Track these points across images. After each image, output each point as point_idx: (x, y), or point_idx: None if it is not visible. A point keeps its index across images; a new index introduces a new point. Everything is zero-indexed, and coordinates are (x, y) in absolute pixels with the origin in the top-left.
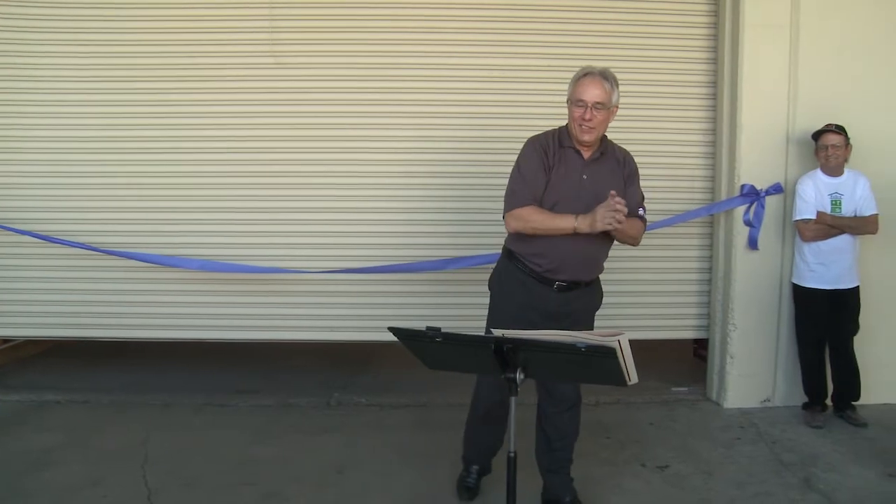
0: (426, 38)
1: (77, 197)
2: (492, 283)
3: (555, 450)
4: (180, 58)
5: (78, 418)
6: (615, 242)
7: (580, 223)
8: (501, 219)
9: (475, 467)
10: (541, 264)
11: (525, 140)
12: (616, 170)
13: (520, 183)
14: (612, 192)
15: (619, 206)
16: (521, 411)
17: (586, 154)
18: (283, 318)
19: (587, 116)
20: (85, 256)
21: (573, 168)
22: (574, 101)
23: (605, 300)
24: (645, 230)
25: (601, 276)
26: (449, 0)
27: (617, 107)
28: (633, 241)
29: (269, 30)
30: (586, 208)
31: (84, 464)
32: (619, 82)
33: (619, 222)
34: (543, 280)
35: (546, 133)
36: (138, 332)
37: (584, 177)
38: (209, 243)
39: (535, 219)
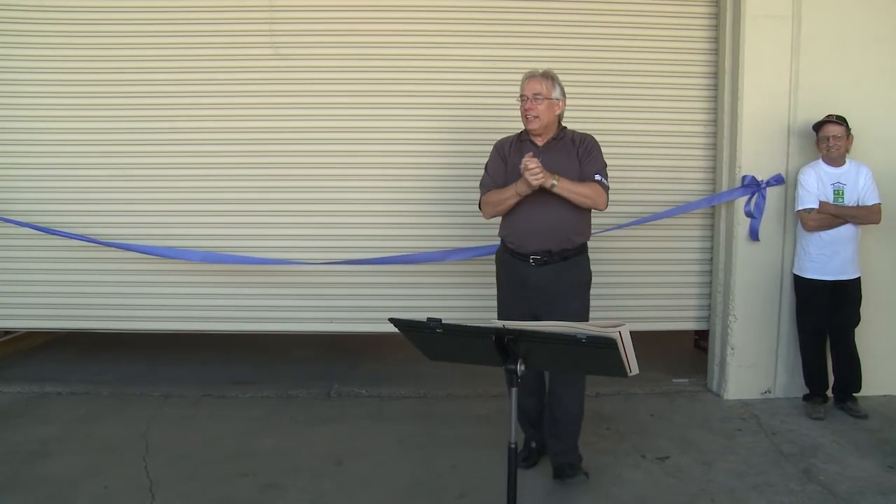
0: (427, 30)
1: (77, 189)
2: (496, 269)
3: (557, 419)
4: (182, 49)
5: (78, 410)
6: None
7: (518, 188)
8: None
9: (533, 444)
10: (513, 241)
11: None
12: (570, 150)
13: (485, 177)
14: (527, 155)
15: (529, 165)
16: None
17: (540, 142)
18: (283, 309)
19: (528, 107)
20: (85, 248)
21: (528, 154)
22: (520, 97)
23: (606, 291)
24: (607, 195)
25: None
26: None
27: (562, 101)
28: (590, 201)
29: (269, 20)
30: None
31: (84, 455)
32: (623, 73)
33: (537, 175)
34: (520, 256)
35: (508, 136)
36: (139, 323)
37: (539, 158)
38: (210, 235)
39: (493, 199)
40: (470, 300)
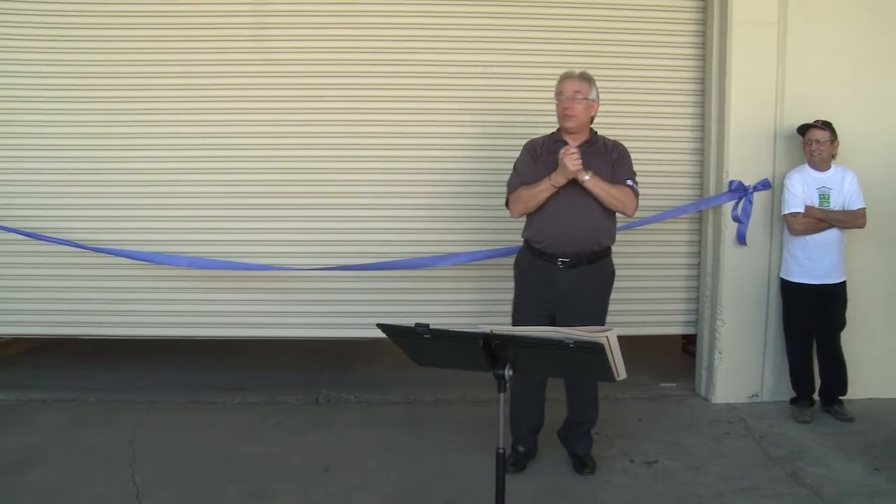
0: (417, 33)
1: (64, 194)
2: (515, 271)
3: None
4: (170, 54)
5: (64, 417)
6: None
7: (553, 178)
8: (505, 207)
9: (521, 448)
10: (541, 242)
11: (521, 140)
12: (603, 154)
13: (514, 176)
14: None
15: (570, 150)
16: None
17: (573, 143)
18: (271, 314)
19: (566, 105)
20: (72, 254)
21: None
22: (557, 96)
23: None
24: (637, 201)
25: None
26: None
27: (597, 102)
28: (620, 203)
29: (256, 26)
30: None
31: (71, 463)
32: (610, 79)
33: (577, 161)
34: (548, 258)
35: (538, 136)
36: (126, 329)
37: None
38: (198, 240)
39: (524, 195)
40: (461, 305)
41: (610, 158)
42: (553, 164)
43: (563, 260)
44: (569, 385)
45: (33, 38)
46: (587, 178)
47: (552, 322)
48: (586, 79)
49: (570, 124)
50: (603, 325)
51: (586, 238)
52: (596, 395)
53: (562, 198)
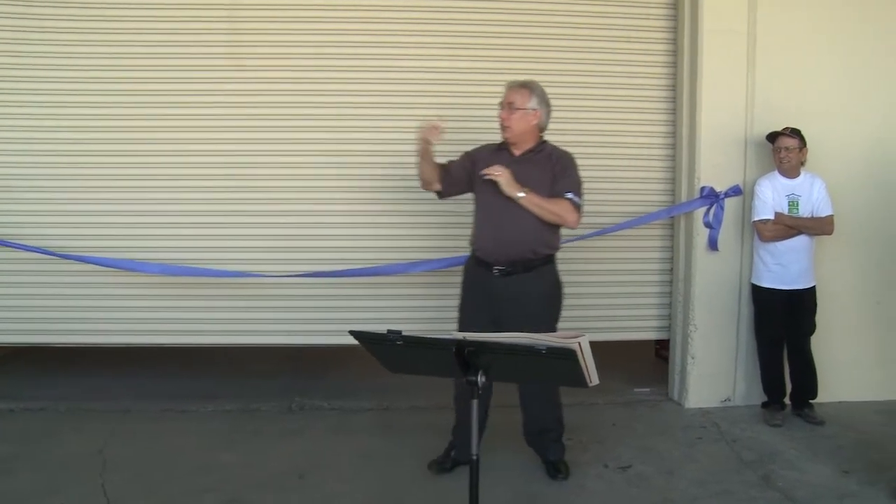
0: (385, 41)
1: (33, 200)
2: (462, 277)
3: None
4: (140, 59)
5: (33, 426)
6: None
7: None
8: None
9: (454, 453)
10: (479, 247)
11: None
12: (546, 164)
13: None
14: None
15: (492, 173)
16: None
17: (517, 152)
18: (244, 322)
19: (502, 116)
20: (42, 261)
21: (501, 163)
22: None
23: (567, 302)
24: (579, 213)
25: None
26: (403, 4)
27: (539, 111)
28: (557, 218)
29: (230, 31)
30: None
31: (40, 472)
32: (582, 86)
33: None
34: (486, 266)
35: (492, 143)
36: (96, 337)
37: (510, 169)
38: (169, 247)
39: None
40: (434, 311)
41: (553, 169)
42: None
43: (498, 268)
44: (523, 391)
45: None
46: (521, 195)
47: (497, 328)
48: (525, 87)
49: (505, 135)
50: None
51: (520, 246)
52: (557, 400)
53: (498, 207)
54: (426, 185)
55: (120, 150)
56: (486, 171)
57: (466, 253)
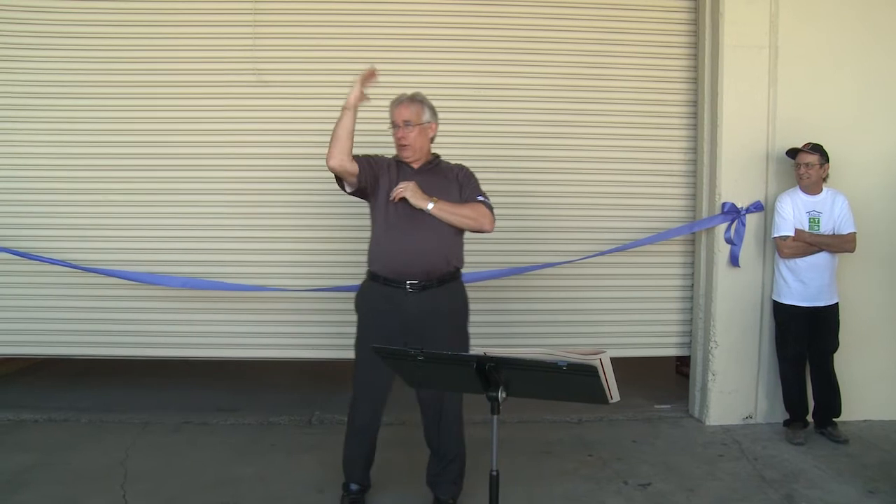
0: (407, 57)
1: (58, 214)
2: (357, 304)
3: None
4: (164, 76)
5: (55, 438)
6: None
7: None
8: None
9: (354, 486)
10: (385, 267)
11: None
12: (448, 174)
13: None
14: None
15: (399, 193)
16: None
17: (416, 166)
18: (264, 336)
19: (400, 135)
20: (66, 274)
21: (405, 177)
22: (391, 125)
23: (588, 318)
24: (493, 215)
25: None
26: (411, 20)
27: (434, 123)
28: (474, 222)
29: (251, 48)
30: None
31: (61, 484)
32: (604, 101)
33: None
34: (394, 284)
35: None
36: (119, 350)
37: (415, 180)
38: (192, 261)
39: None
40: None
41: (456, 178)
42: (400, 179)
43: (412, 282)
44: (428, 423)
45: (26, 59)
46: (430, 206)
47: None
48: (416, 101)
49: (406, 154)
50: (466, 352)
51: (435, 257)
52: (462, 434)
53: (406, 219)
54: (338, 158)
55: (143, 165)
56: (393, 193)
57: (487, 268)
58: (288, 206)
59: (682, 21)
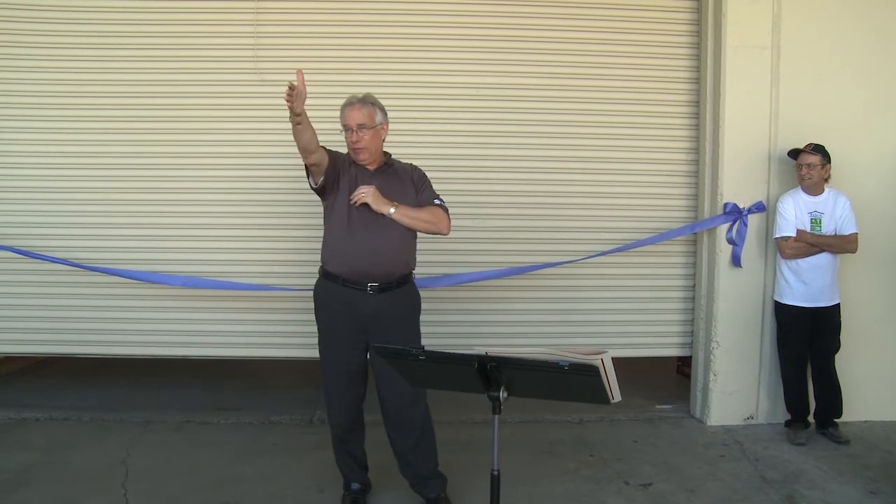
0: (410, 56)
1: (59, 213)
2: (316, 305)
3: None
4: (165, 74)
5: (57, 436)
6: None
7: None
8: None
9: (356, 485)
10: (344, 269)
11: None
12: (404, 176)
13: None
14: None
15: (360, 197)
16: None
17: (371, 167)
18: (266, 335)
19: (354, 139)
20: (67, 272)
21: (363, 179)
22: (343, 129)
23: (589, 318)
24: (449, 217)
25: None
26: (412, 20)
27: (386, 124)
28: (432, 226)
29: (253, 48)
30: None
31: (62, 483)
32: (606, 101)
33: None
34: (354, 285)
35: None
36: (120, 348)
37: (374, 183)
38: (192, 260)
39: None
40: (457, 327)
41: (411, 180)
42: (359, 181)
43: (372, 284)
44: (393, 436)
45: (32, 58)
46: (392, 211)
47: (366, 353)
48: (368, 103)
49: (362, 157)
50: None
51: (396, 258)
52: (434, 445)
53: (366, 220)
54: (306, 154)
55: (145, 164)
56: (353, 197)
57: (490, 268)
58: (289, 206)
59: (685, 21)
